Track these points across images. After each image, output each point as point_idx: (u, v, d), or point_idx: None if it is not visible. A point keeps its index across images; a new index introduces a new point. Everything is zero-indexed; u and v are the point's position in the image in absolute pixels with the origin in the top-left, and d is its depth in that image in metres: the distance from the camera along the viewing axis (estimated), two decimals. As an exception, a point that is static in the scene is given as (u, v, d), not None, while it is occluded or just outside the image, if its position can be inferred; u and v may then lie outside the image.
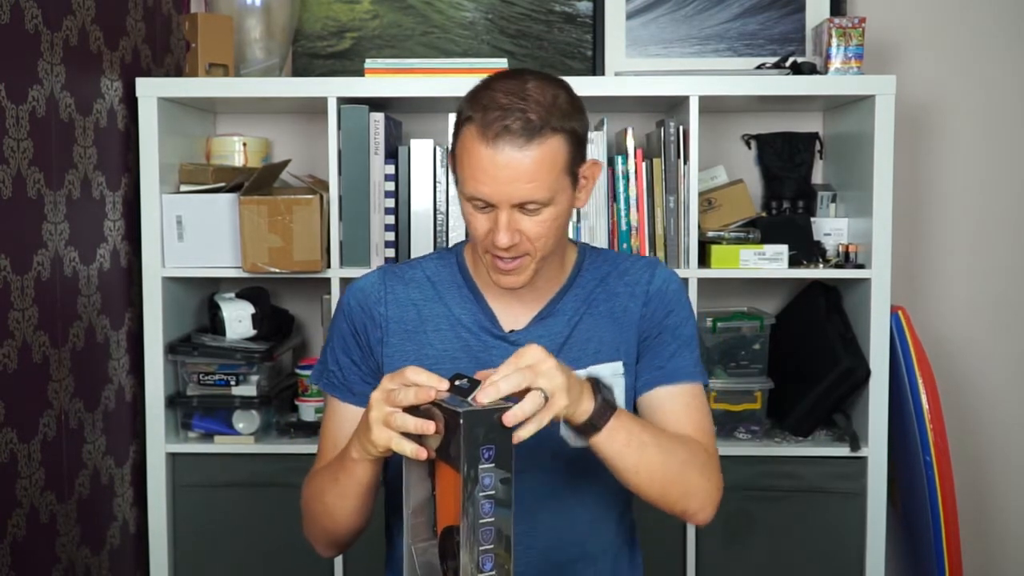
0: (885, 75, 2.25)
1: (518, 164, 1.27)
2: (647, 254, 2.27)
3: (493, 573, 1.11)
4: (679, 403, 1.41)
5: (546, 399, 1.14)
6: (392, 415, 1.16)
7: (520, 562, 1.32)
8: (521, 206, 1.30)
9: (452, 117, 1.86)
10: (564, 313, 1.43)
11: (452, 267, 1.47)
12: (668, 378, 1.41)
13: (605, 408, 1.23)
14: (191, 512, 2.32)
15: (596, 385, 1.24)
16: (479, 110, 1.28)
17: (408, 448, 1.15)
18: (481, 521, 1.10)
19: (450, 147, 1.39)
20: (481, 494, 1.10)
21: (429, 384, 1.15)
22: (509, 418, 1.11)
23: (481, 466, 1.09)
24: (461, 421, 1.08)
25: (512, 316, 1.43)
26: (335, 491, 1.32)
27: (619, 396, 1.40)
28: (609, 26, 2.61)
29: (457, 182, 1.36)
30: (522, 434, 1.13)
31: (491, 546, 1.11)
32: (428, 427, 1.13)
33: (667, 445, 1.30)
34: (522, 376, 1.13)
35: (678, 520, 2.27)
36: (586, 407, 1.21)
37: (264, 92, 2.30)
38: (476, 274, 1.45)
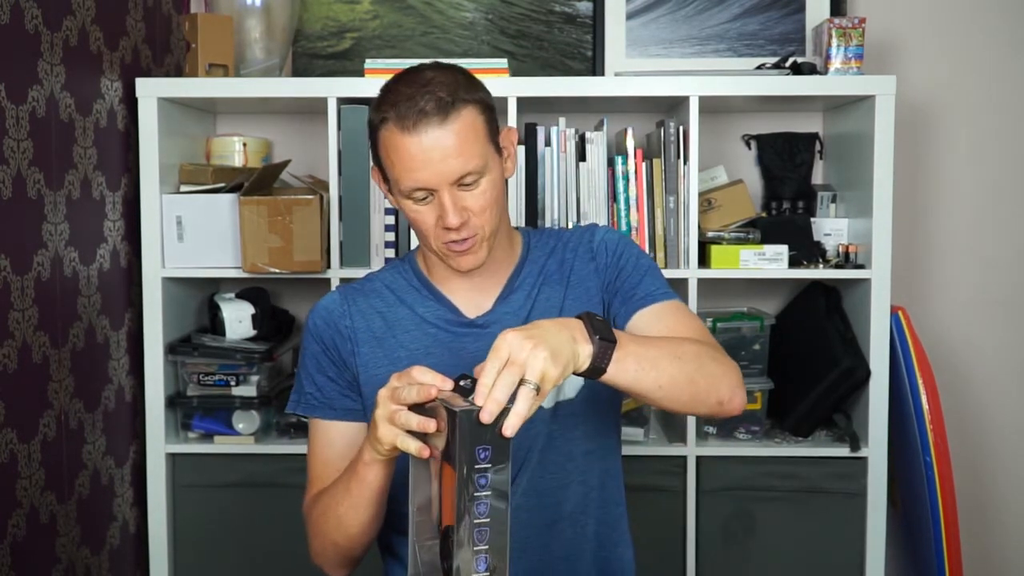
0: (885, 75, 2.25)
1: (444, 141, 1.31)
2: (647, 254, 2.27)
3: (488, 574, 1.11)
4: (665, 319, 1.41)
5: (537, 389, 1.12)
6: (397, 412, 1.16)
7: None
8: (459, 183, 1.33)
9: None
10: (523, 289, 1.47)
11: (408, 273, 1.50)
12: (643, 302, 1.42)
13: (605, 348, 1.19)
14: (191, 512, 2.32)
15: (590, 324, 1.21)
16: (390, 108, 1.32)
17: (412, 446, 1.15)
18: (476, 521, 1.10)
19: (372, 162, 1.43)
20: (477, 494, 1.09)
21: (432, 383, 1.15)
22: (508, 429, 1.09)
23: (477, 466, 1.09)
24: (457, 421, 1.08)
25: (474, 304, 1.46)
26: (348, 501, 1.32)
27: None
28: (609, 26, 2.61)
29: (390, 189, 1.40)
30: (513, 423, 1.10)
31: (486, 546, 1.10)
32: (429, 425, 1.14)
33: (675, 350, 1.28)
34: (511, 375, 1.11)
35: (679, 517, 2.30)
36: (584, 357, 1.18)
37: (264, 92, 2.30)
38: (431, 275, 1.48)
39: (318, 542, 1.41)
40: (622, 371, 1.21)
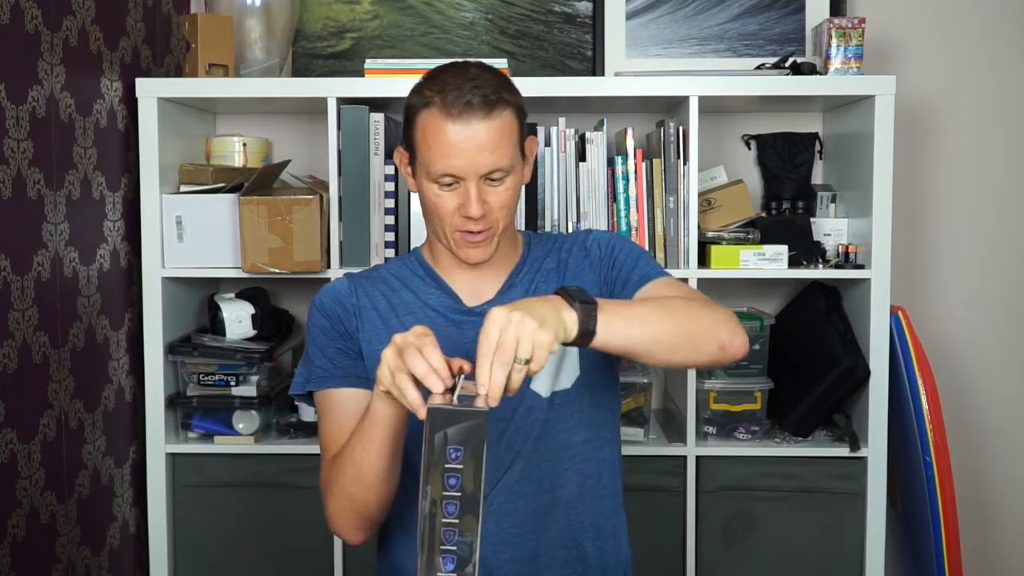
0: (885, 75, 2.25)
1: (483, 135, 1.37)
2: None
3: (454, 574, 1.10)
4: (660, 291, 1.44)
5: (526, 362, 1.15)
6: (398, 373, 1.18)
7: (499, 510, 1.40)
8: (487, 177, 1.39)
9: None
10: (523, 284, 1.52)
11: (413, 264, 1.55)
12: (639, 282, 1.46)
13: (587, 310, 1.23)
14: (191, 512, 2.32)
15: (566, 294, 1.25)
16: (436, 94, 1.38)
17: (410, 396, 1.17)
18: (444, 521, 1.09)
19: (403, 142, 1.47)
20: (446, 494, 1.09)
21: (431, 361, 1.16)
22: (492, 400, 1.12)
23: (447, 465, 1.08)
24: (427, 415, 1.08)
25: (475, 296, 1.50)
26: (361, 444, 1.33)
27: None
28: (609, 26, 2.61)
29: (413, 172, 1.45)
30: (533, 369, 1.15)
31: (454, 547, 1.09)
32: (418, 405, 1.16)
33: (661, 304, 1.33)
34: (504, 356, 1.14)
35: (679, 517, 2.30)
36: (571, 323, 1.22)
37: (264, 92, 2.29)
38: (436, 265, 1.53)
39: (335, 502, 1.40)
40: (612, 330, 1.24)
